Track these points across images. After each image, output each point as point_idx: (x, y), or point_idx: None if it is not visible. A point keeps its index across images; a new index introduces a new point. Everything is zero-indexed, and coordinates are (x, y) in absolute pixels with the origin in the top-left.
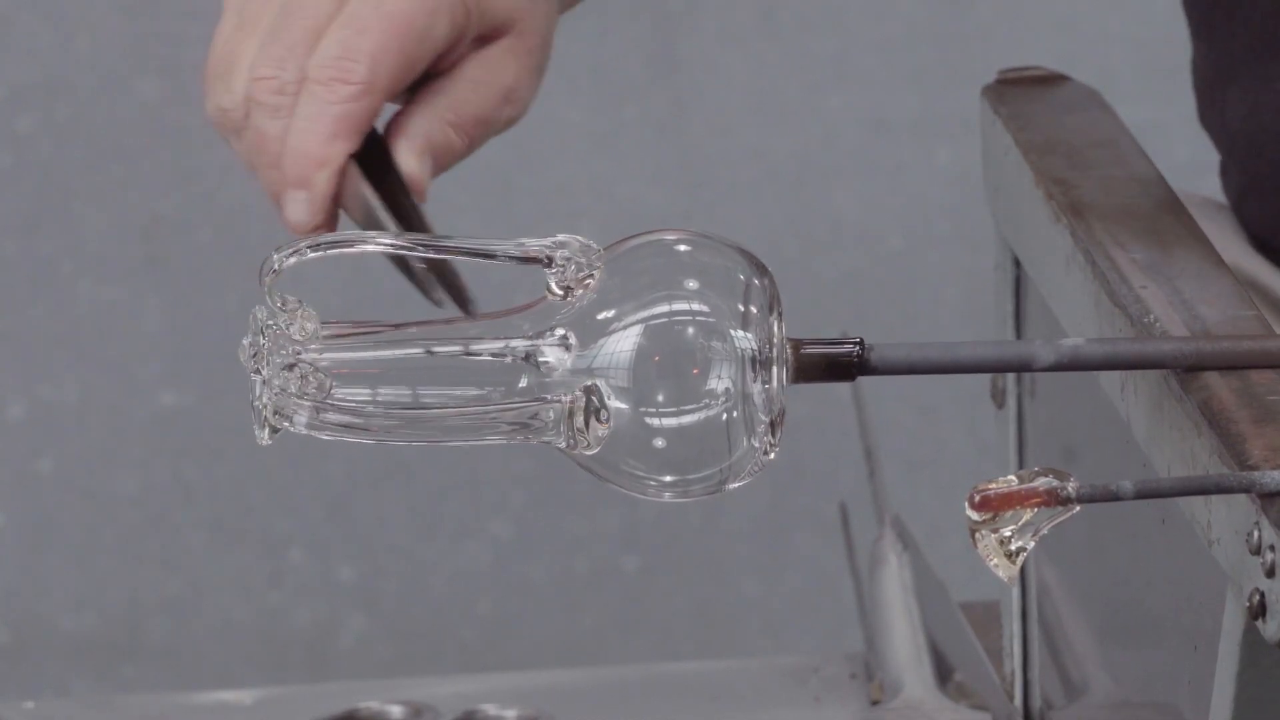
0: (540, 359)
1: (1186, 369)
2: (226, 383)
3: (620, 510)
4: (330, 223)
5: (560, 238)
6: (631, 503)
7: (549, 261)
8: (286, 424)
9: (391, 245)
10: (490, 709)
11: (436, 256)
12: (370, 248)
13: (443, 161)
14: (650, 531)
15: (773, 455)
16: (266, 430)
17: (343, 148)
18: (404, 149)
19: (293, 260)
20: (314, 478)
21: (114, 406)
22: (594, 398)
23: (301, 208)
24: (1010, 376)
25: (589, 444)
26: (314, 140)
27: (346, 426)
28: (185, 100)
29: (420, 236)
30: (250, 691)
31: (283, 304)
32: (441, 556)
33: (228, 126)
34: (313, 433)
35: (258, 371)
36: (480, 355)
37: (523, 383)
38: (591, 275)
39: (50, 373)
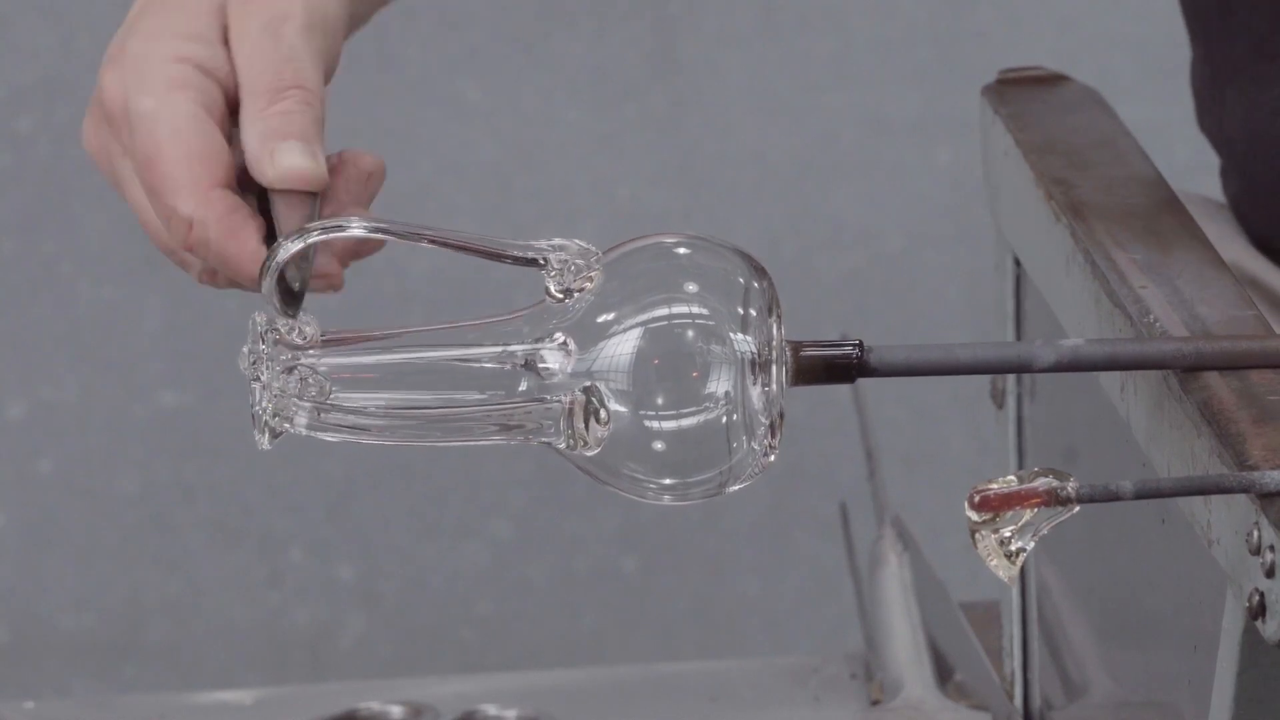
0: (540, 363)
1: (1186, 369)
2: (226, 383)
3: (620, 510)
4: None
5: (557, 241)
6: (631, 503)
7: (545, 263)
8: (287, 425)
9: (385, 230)
10: (490, 709)
11: (431, 246)
12: (357, 231)
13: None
14: (650, 531)
15: (772, 458)
16: (266, 435)
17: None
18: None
19: (297, 245)
20: (314, 478)
21: (114, 406)
22: (593, 398)
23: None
24: (1010, 377)
25: (589, 444)
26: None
27: (347, 428)
28: None
29: (420, 226)
30: (250, 691)
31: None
32: (441, 556)
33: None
34: (313, 433)
35: (257, 379)
36: (480, 360)
37: (522, 386)
38: (590, 278)
39: (50, 373)
